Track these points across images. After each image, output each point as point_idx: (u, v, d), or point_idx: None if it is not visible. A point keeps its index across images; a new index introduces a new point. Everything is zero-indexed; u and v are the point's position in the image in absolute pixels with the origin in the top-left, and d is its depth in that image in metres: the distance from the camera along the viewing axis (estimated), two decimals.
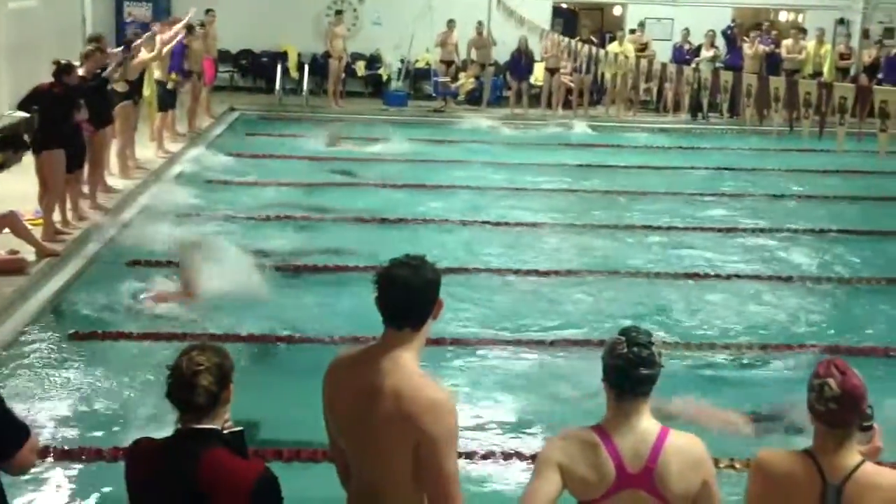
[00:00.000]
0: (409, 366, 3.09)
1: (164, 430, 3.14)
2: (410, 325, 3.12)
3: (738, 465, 5.29)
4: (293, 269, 9.10)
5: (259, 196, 11.89)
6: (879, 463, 3.18)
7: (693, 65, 17.03)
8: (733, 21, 20.95)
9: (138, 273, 8.74)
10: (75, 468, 5.49)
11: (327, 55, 19.26)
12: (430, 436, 2.98)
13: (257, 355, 7.09)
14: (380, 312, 3.13)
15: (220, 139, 15.74)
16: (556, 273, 9.26)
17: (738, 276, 9.35)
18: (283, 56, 20.02)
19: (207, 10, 16.57)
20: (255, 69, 20.83)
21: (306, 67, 19.37)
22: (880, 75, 19.68)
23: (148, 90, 12.71)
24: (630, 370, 3.05)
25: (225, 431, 3.06)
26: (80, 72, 9.71)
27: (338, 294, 8.42)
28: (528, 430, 6.08)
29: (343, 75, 19.61)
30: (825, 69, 19.43)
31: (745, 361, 7.34)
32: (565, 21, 22.32)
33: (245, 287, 8.01)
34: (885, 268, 9.78)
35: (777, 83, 11.68)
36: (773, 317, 8.34)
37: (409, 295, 3.09)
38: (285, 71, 19.38)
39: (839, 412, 3.01)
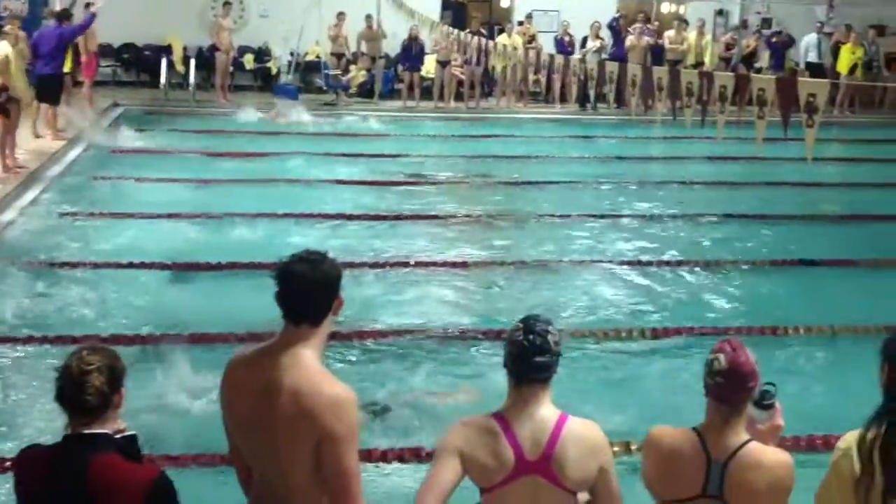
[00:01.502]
0: (308, 362, 3.05)
1: (55, 439, 3.03)
2: (309, 321, 3.08)
3: (633, 448, 5.40)
4: (187, 266, 8.90)
5: (146, 194, 11.58)
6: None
7: (580, 56, 17.34)
8: (618, 13, 21.39)
9: (20, 275, 8.42)
10: None
11: (214, 48, 18.88)
12: (331, 433, 2.95)
13: (151, 357, 6.89)
14: (279, 308, 3.10)
15: (102, 135, 15.25)
16: (460, 265, 9.31)
17: (627, 263, 9.55)
18: (167, 49, 19.54)
19: (87, 4, 16.02)
20: (138, 63, 20.30)
21: (192, 61, 18.94)
22: (758, 64, 20.38)
23: (20, 83, 12.17)
24: (525, 357, 3.10)
25: (118, 436, 2.98)
26: None
27: (235, 291, 8.28)
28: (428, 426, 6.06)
29: (231, 69, 19.29)
30: (706, 59, 20.02)
31: (635, 346, 7.49)
32: (454, 13, 22.43)
33: None
34: (765, 250, 10.13)
35: (661, 73, 11.97)
36: (659, 301, 8.53)
37: (306, 291, 3.05)
38: (170, 65, 18.93)
39: (725, 387, 3.10)
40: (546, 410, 3.13)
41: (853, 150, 16.49)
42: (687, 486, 3.12)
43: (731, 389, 3.11)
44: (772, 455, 3.13)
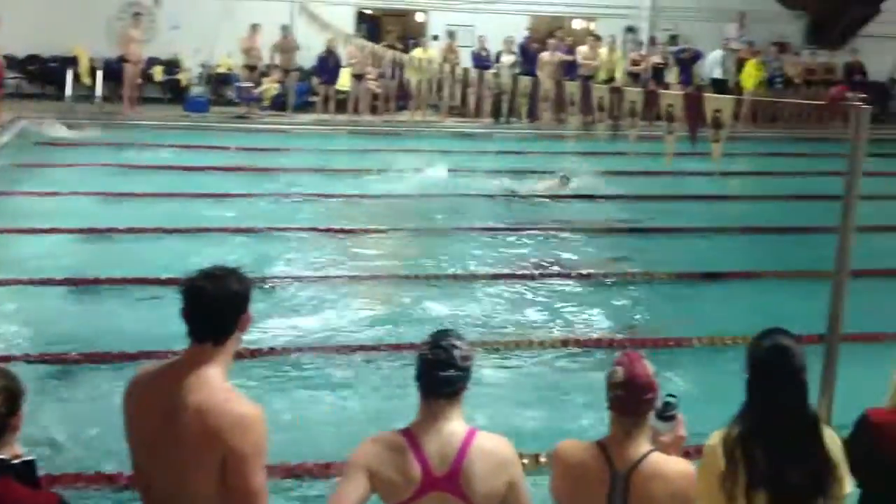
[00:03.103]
0: (213, 381, 3.01)
1: None
2: (212, 339, 3.04)
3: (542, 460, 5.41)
4: (90, 282, 8.66)
5: (50, 209, 11.25)
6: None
7: (494, 70, 17.49)
8: (528, 29, 21.67)
9: None
10: None
11: (122, 60, 18.50)
12: (236, 451, 2.92)
13: (53, 377, 6.69)
14: (185, 325, 3.06)
15: (5, 149, 14.81)
16: (371, 278, 9.29)
17: (535, 276, 9.60)
18: (73, 61, 19.07)
19: None
20: (43, 75, 19.77)
21: (99, 73, 18.53)
22: (668, 79, 20.80)
23: None
24: (429, 372, 3.11)
25: (14, 462, 2.88)
26: None
27: (140, 307, 8.09)
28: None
29: (140, 81, 18.92)
30: (617, 74, 20.40)
31: (546, 358, 7.56)
32: (369, 27, 22.43)
33: None
34: (671, 263, 10.31)
35: (572, 88, 12.09)
36: (570, 314, 8.60)
37: (209, 308, 3.02)
38: (76, 77, 18.47)
39: (624, 399, 3.16)
40: (454, 426, 3.13)
41: (757, 163, 16.94)
42: (591, 498, 3.16)
43: (629, 401, 3.16)
44: (673, 465, 3.17)
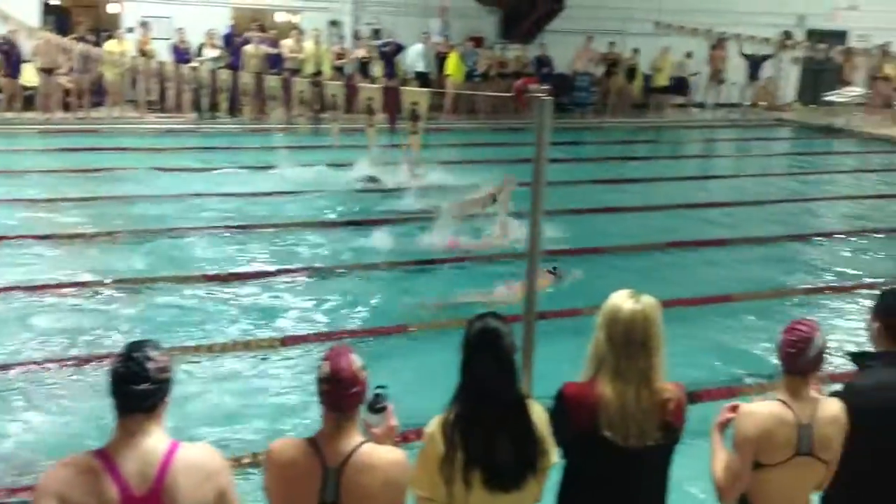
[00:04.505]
0: None
1: None
2: None
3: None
4: None
5: None
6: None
7: (196, 64, 16.96)
8: (232, 21, 21.21)
9: None
10: None
11: None
12: None
13: None
14: None
15: None
16: (64, 286, 8.70)
17: (251, 275, 9.46)
18: None
19: None
20: None
21: None
22: (374, 73, 21.09)
23: None
24: (121, 386, 2.94)
25: None
26: None
27: None
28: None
29: None
30: (325, 68, 20.43)
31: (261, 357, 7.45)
32: (57, 18, 21.01)
33: None
34: (389, 252, 10.50)
35: (273, 82, 11.97)
36: (295, 310, 8.54)
37: None
38: None
39: (331, 393, 3.14)
40: (154, 441, 2.97)
41: (457, 153, 17.55)
42: (304, 496, 3.11)
43: (336, 396, 3.14)
44: (384, 454, 3.18)
